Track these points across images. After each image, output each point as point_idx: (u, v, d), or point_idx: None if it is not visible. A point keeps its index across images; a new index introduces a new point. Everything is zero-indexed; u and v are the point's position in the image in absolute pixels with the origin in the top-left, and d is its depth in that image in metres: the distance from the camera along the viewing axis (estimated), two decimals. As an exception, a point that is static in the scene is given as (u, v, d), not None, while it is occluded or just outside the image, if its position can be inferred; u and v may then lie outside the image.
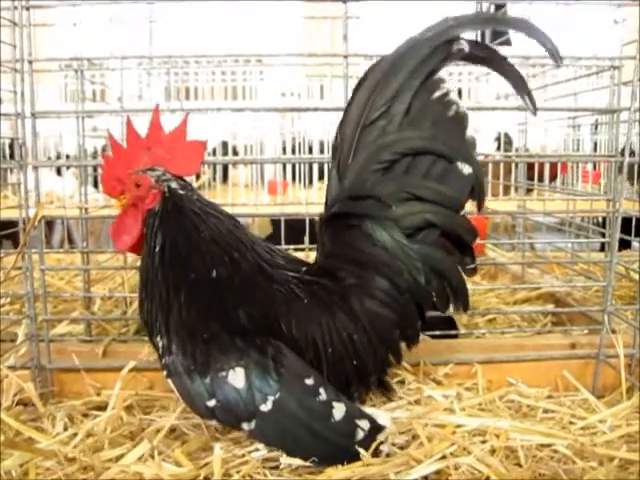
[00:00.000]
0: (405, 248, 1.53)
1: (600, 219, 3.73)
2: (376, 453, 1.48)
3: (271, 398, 1.42)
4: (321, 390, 1.46)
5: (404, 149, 1.52)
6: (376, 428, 1.50)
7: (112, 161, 1.57)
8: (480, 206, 1.58)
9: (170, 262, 1.50)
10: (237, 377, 1.42)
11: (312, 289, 1.57)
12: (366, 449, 1.46)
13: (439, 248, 1.56)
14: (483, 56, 1.53)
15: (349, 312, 1.54)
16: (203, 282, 1.50)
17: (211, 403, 1.43)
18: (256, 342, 1.46)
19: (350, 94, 1.60)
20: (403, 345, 1.62)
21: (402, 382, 1.91)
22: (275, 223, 3.84)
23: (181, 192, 1.53)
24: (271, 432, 1.46)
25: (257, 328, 1.49)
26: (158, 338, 1.49)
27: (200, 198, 1.56)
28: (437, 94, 1.52)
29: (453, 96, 1.53)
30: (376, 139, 1.52)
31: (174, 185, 1.53)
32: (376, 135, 1.52)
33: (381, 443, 1.49)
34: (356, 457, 1.46)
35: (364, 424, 1.48)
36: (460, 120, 1.53)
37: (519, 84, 1.53)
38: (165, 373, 1.48)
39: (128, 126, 1.56)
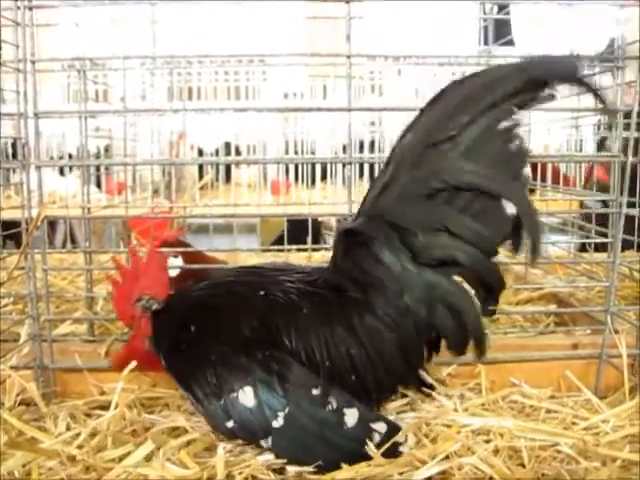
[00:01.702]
0: (408, 274, 1.48)
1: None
2: (394, 454, 1.47)
3: (281, 414, 1.43)
4: (330, 399, 1.46)
5: (455, 182, 1.44)
6: (394, 429, 1.50)
7: (116, 297, 1.72)
8: (534, 251, 1.45)
9: (174, 362, 1.59)
10: (247, 397, 1.44)
11: (313, 300, 1.57)
12: (385, 453, 1.45)
13: (455, 284, 1.50)
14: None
15: (347, 325, 1.53)
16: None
17: (230, 424, 1.46)
18: (258, 358, 1.47)
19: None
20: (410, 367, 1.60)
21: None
22: (291, 222, 3.83)
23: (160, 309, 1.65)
24: (287, 447, 1.46)
25: (259, 341, 1.50)
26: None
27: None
28: (505, 125, 1.43)
29: (518, 130, 1.45)
30: (434, 163, 1.45)
31: (155, 307, 1.65)
32: (435, 158, 1.45)
33: (399, 444, 1.49)
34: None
35: (380, 427, 1.48)
36: (520, 156, 1.46)
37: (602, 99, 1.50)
38: (189, 401, 1.55)
39: (116, 264, 1.74)
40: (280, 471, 1.48)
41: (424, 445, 1.55)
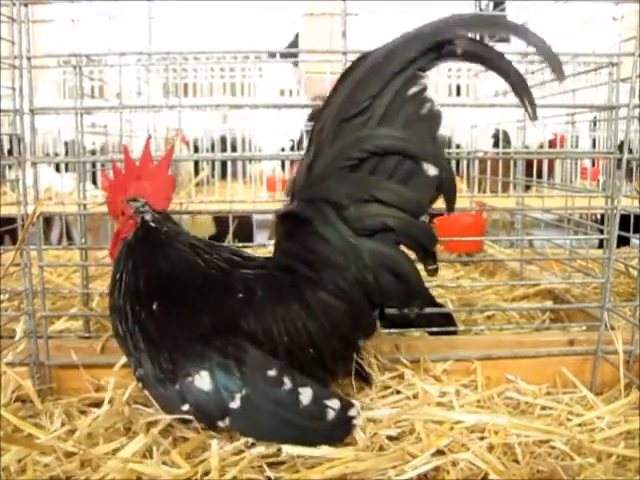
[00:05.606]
0: (352, 246, 1.54)
1: (599, 216, 3.73)
2: (349, 428, 1.51)
3: (238, 395, 1.46)
4: (285, 379, 1.48)
5: (373, 148, 1.50)
6: (347, 405, 1.52)
7: (112, 185, 1.65)
8: (449, 206, 1.56)
9: (127, 290, 1.57)
10: (203, 380, 1.46)
11: (266, 282, 1.61)
12: (340, 427, 1.50)
13: (394, 249, 1.56)
14: (479, 54, 1.50)
15: (302, 302, 1.57)
16: (159, 303, 1.56)
17: (185, 407, 1.48)
18: (216, 344, 1.49)
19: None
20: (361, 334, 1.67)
21: (401, 377, 1.90)
22: (220, 222, 3.89)
23: (152, 225, 1.60)
24: (245, 426, 1.50)
25: (216, 327, 1.52)
26: (130, 354, 1.55)
27: (170, 230, 1.62)
28: (413, 90, 1.50)
29: (429, 93, 1.51)
30: (351, 135, 1.51)
31: (148, 217, 1.60)
32: (352, 130, 1.52)
33: (352, 417, 1.51)
34: (330, 438, 1.49)
35: (334, 403, 1.50)
36: (432, 118, 1.52)
37: (518, 84, 1.50)
38: (140, 385, 1.55)
39: (125, 152, 1.64)
40: (274, 464, 1.48)
41: (417, 440, 1.55)
